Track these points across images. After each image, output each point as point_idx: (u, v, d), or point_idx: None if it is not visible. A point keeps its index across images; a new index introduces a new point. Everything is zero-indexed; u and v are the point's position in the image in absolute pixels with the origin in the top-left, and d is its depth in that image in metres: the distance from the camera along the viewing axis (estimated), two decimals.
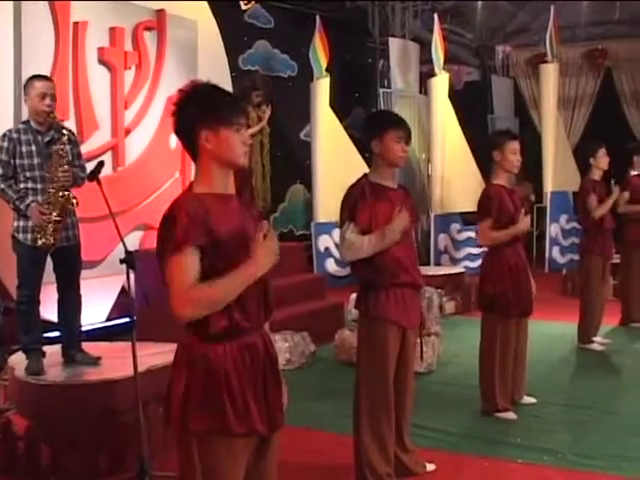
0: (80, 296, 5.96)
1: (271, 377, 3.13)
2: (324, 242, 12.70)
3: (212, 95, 3.06)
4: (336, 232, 12.57)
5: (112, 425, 5.19)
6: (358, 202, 4.61)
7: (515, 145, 6.14)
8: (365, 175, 4.81)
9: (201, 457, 2.97)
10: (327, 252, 12.71)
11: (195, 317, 2.90)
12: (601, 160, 8.56)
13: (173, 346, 3.11)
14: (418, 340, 5.04)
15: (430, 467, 5.14)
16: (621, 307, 9.87)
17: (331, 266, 12.64)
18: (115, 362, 5.74)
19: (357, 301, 4.79)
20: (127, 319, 7.30)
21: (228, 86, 10.30)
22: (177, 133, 3.09)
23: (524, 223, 6.11)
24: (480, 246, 6.29)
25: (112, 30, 8.96)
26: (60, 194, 5.60)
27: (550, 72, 15.37)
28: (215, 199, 3.01)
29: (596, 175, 8.61)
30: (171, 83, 9.35)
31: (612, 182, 8.73)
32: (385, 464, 4.73)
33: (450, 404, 6.66)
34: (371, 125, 4.88)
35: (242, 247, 2.98)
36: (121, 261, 4.80)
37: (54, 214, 5.57)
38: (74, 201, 5.69)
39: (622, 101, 18.81)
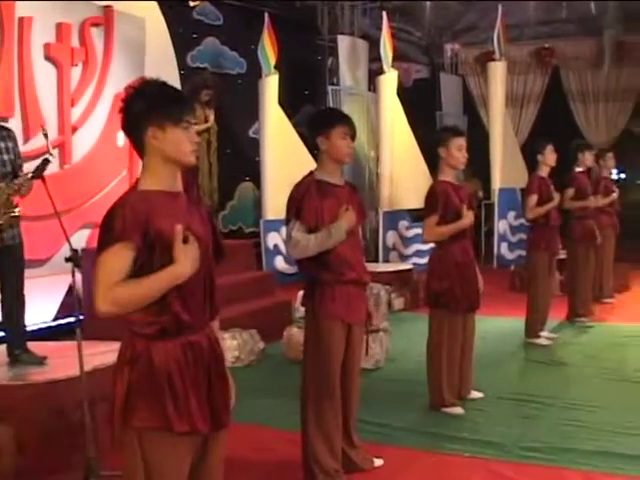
0: (24, 295, 5.89)
1: (216, 375, 3.13)
2: (273, 239, 12.68)
3: (160, 92, 3.04)
4: (284, 229, 12.57)
5: (59, 425, 5.14)
6: (304, 199, 4.61)
7: (460, 141, 6.17)
8: (311, 172, 4.81)
9: (144, 455, 2.96)
10: (276, 249, 12.69)
11: (113, 314, 2.88)
12: (548, 157, 8.64)
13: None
14: (364, 336, 5.04)
15: (378, 462, 5.17)
16: (567, 302, 9.98)
17: (280, 263, 12.63)
18: (61, 362, 5.69)
19: (303, 298, 4.79)
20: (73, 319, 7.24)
21: (177, 83, 10.18)
22: (125, 130, 3.07)
23: (468, 218, 6.14)
24: (426, 242, 6.30)
25: (58, 26, 8.83)
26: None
27: (498, 70, 15.52)
28: (161, 196, 3.00)
29: (543, 172, 8.69)
30: (119, 80, 9.25)
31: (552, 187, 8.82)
32: (332, 460, 4.74)
33: (398, 399, 6.69)
34: (317, 122, 4.88)
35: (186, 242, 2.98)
36: (66, 259, 4.77)
37: None
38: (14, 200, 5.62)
39: (569, 99, 19.02)
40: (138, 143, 3.01)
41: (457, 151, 6.14)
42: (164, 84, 3.07)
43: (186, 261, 2.92)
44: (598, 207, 10.46)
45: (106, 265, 2.88)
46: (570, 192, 9.55)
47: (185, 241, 2.94)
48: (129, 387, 2.95)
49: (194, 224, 3.06)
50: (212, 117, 10.31)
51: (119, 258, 2.87)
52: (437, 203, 6.06)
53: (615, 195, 9.93)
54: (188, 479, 3.09)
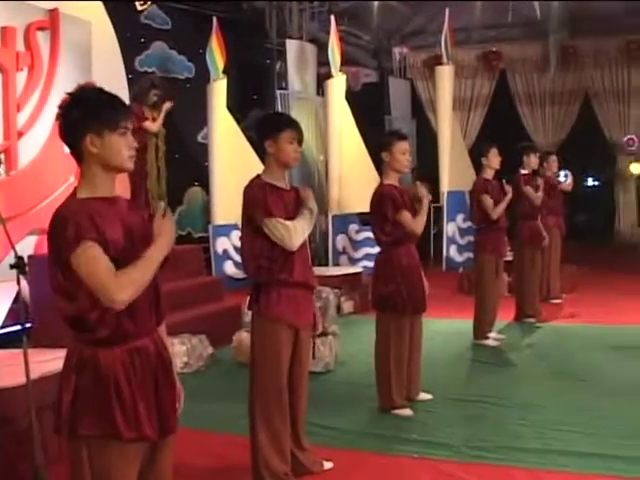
0: None
1: (164, 381, 3.12)
2: (222, 244, 12.65)
3: (97, 99, 3.03)
4: (234, 234, 12.57)
5: (6, 433, 5.07)
6: (266, 198, 4.61)
7: (404, 145, 6.20)
8: (259, 176, 4.81)
9: (92, 463, 2.95)
10: (225, 254, 12.66)
11: (131, 300, 2.88)
12: (493, 160, 8.73)
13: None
14: (312, 340, 5.06)
15: (327, 465, 5.16)
16: (515, 303, 10.08)
17: (229, 268, 12.60)
18: (8, 370, 5.60)
19: (249, 302, 4.78)
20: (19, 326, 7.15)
21: (124, 88, 10.19)
22: (62, 137, 3.06)
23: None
24: (380, 243, 6.32)
25: (3, 30, 8.70)
26: None
27: (446, 74, 15.67)
28: (100, 203, 2.99)
29: (488, 174, 8.78)
30: (65, 85, 9.12)
31: (504, 181, 8.90)
32: (282, 463, 4.74)
33: (347, 402, 6.70)
34: (265, 126, 4.88)
35: (130, 249, 2.97)
36: (11, 266, 4.71)
37: None
38: None
39: (516, 102, 19.25)
40: (76, 150, 3.00)
41: (401, 155, 6.17)
42: (101, 90, 3.06)
43: (170, 233, 3.02)
44: (545, 208, 10.58)
45: (94, 259, 2.85)
46: (529, 190, 9.67)
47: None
48: (75, 395, 2.93)
49: (136, 228, 3.06)
50: (161, 118, 10.23)
51: (98, 251, 2.86)
52: (387, 205, 6.09)
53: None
54: None
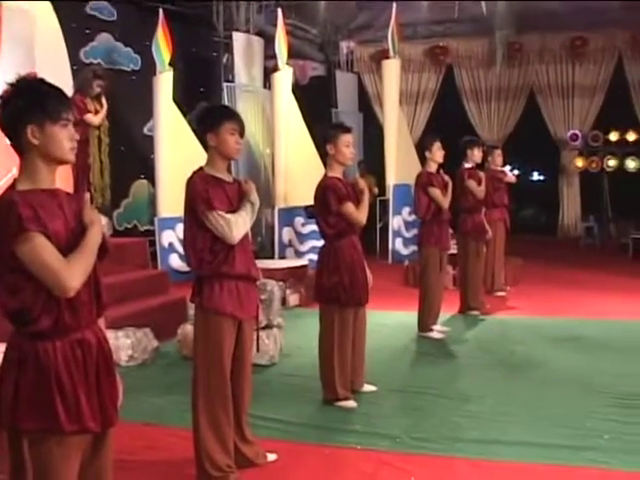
0: None
1: (105, 373, 3.12)
2: (168, 237, 12.57)
3: (38, 90, 3.03)
4: (180, 227, 12.49)
5: None
6: (209, 191, 4.61)
7: (348, 138, 6.23)
8: (201, 168, 4.81)
9: (32, 457, 2.94)
10: (171, 247, 12.59)
11: (80, 286, 2.92)
12: (436, 153, 8.79)
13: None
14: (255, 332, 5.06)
15: (271, 457, 5.18)
16: (460, 296, 10.17)
17: (175, 261, 12.53)
18: None
19: (192, 294, 4.78)
20: None
21: (69, 79, 10.08)
22: (2, 128, 3.04)
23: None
24: (324, 236, 6.33)
25: None
26: None
27: (392, 68, 15.71)
28: (40, 195, 2.98)
29: (431, 168, 8.84)
30: (7, 76, 9.01)
31: (441, 171, 8.96)
32: (225, 455, 4.75)
33: (292, 395, 6.72)
34: (206, 119, 4.87)
35: (71, 242, 2.98)
36: None
37: None
38: None
39: (462, 97, 19.38)
40: (16, 142, 2.99)
41: (345, 147, 6.20)
42: (42, 81, 3.05)
43: (99, 222, 3.08)
44: (490, 202, 10.71)
45: (43, 249, 2.86)
46: (472, 183, 9.77)
47: None
48: (16, 389, 2.92)
49: (75, 222, 3.05)
50: (104, 109, 10.14)
51: (44, 240, 2.87)
52: (330, 197, 6.11)
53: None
54: (78, 479, 3.08)
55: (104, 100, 10.10)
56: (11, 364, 2.95)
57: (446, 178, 8.86)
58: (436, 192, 8.66)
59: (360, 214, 6.17)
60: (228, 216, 4.57)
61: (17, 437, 2.94)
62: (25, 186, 2.97)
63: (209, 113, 5.01)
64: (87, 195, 2.97)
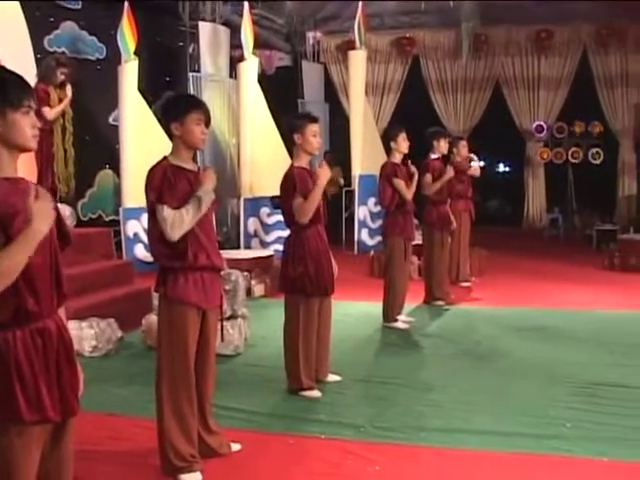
0: None
1: (65, 363, 3.10)
2: (133, 227, 12.51)
3: None
4: (145, 217, 12.43)
5: None
6: (163, 183, 4.58)
7: (315, 128, 6.25)
8: (165, 157, 4.78)
9: None
10: (136, 237, 12.54)
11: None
12: (401, 144, 8.81)
13: None
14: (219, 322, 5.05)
15: (235, 447, 5.18)
16: (424, 286, 10.21)
17: (140, 251, 12.47)
18: None
19: (156, 284, 4.76)
20: None
21: (32, 68, 9.98)
22: None
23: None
24: (289, 226, 6.33)
25: None
26: None
27: (359, 59, 15.73)
28: (3, 183, 2.95)
29: (396, 158, 8.86)
30: None
31: (409, 162, 9.00)
32: (188, 445, 4.74)
33: (257, 385, 6.72)
34: (171, 108, 4.84)
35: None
36: None
37: None
38: None
39: (429, 88, 19.44)
40: None
41: (312, 137, 6.22)
42: (3, 69, 3.03)
43: (41, 218, 2.88)
44: (454, 193, 10.77)
45: None
46: (429, 177, 9.80)
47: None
48: None
49: None
50: (68, 98, 10.03)
51: None
52: (295, 188, 6.10)
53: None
54: (39, 470, 3.06)
55: (69, 89, 9.98)
56: None
57: (412, 169, 8.88)
58: (400, 183, 8.69)
59: (305, 208, 6.14)
60: (171, 213, 4.52)
61: None
62: None
63: (174, 102, 4.98)
64: (37, 187, 2.91)
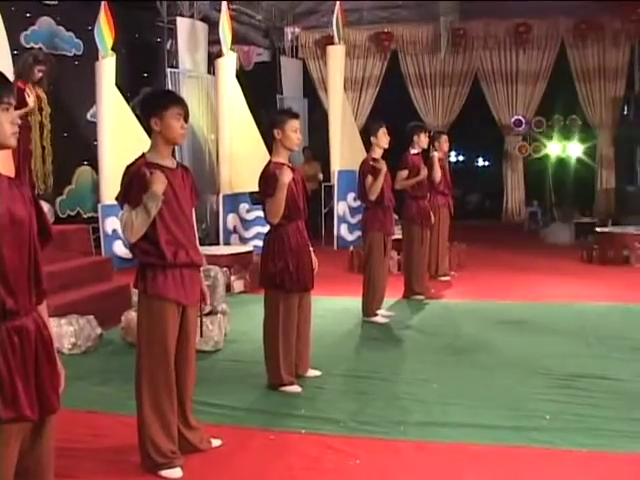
0: None
1: (44, 360, 3.09)
2: (112, 224, 12.45)
3: None
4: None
5: None
6: (132, 183, 4.58)
7: (295, 123, 6.26)
8: (143, 154, 4.78)
9: None
10: (115, 234, 12.48)
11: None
12: (382, 139, 8.83)
13: None
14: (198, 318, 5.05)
15: (216, 442, 5.18)
16: (404, 281, 10.23)
17: (119, 248, 12.43)
18: None
19: (135, 280, 4.75)
20: None
21: (9, 64, 9.94)
22: None
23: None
24: (269, 221, 6.34)
25: None
26: None
27: (337, 54, 15.73)
28: None
29: (376, 154, 8.86)
30: None
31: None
32: (169, 441, 4.74)
33: (237, 380, 6.72)
34: (150, 103, 4.82)
35: (9, 228, 2.94)
36: None
37: None
38: None
39: (407, 83, 19.46)
40: None
41: (292, 133, 6.23)
42: None
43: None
44: (433, 188, 10.79)
45: None
46: (404, 173, 9.80)
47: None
48: None
49: (16, 206, 3.00)
50: (44, 95, 9.98)
51: None
52: (274, 184, 6.10)
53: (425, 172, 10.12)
54: (17, 466, 3.05)
55: (44, 85, 9.96)
56: None
57: (379, 166, 8.79)
58: (368, 180, 8.69)
59: (271, 209, 6.15)
60: (125, 216, 4.54)
61: None
62: None
63: (153, 97, 4.98)
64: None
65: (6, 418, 2.90)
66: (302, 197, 6.36)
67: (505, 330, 8.44)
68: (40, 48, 12.71)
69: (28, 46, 12.63)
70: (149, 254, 4.62)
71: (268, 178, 6.14)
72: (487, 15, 18.31)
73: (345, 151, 15.23)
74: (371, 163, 8.77)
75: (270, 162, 6.29)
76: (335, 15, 15.50)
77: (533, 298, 10.22)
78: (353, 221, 15.21)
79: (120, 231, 11.81)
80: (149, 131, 4.78)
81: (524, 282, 11.44)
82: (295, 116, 6.34)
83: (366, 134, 9.26)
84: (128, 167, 4.68)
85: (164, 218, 4.61)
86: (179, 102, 4.79)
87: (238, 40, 15.66)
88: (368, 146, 9.14)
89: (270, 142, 6.47)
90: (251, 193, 13.60)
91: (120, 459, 5.01)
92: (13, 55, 10.54)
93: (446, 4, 18.16)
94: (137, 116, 12.47)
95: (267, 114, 6.66)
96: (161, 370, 4.68)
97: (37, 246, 3.11)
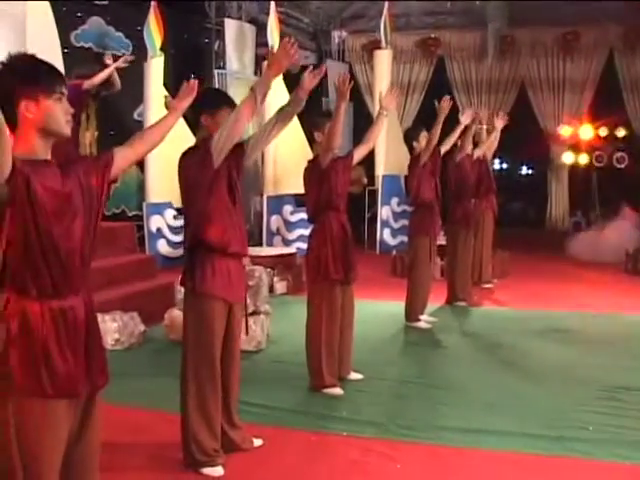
0: None
1: (93, 338, 3.15)
2: (156, 223, 12.53)
3: (31, 65, 3.04)
4: (168, 213, 12.51)
5: None
6: None
7: None
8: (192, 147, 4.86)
9: (18, 423, 2.93)
10: (159, 233, 12.57)
11: None
12: (424, 143, 8.87)
13: None
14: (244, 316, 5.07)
15: (258, 442, 5.20)
16: (447, 287, 10.20)
17: (163, 247, 12.51)
18: None
19: (182, 278, 4.77)
20: None
21: (60, 63, 10.03)
22: None
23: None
24: (311, 216, 6.39)
25: None
26: None
27: (384, 58, 15.71)
28: (35, 164, 2.98)
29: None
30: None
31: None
32: (212, 440, 4.76)
33: (279, 381, 6.74)
34: (203, 100, 4.84)
35: (62, 207, 3.00)
36: None
37: None
38: None
39: (453, 89, 19.35)
40: (10, 117, 2.94)
41: None
42: (34, 57, 3.06)
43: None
44: (478, 191, 10.74)
45: None
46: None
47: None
48: (5, 351, 2.93)
49: (73, 189, 3.09)
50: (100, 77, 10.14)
51: None
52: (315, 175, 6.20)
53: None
54: (65, 459, 3.08)
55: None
56: (0, 329, 2.95)
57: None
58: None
59: (331, 132, 6.18)
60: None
61: (3, 404, 2.93)
62: (19, 156, 2.95)
63: (207, 95, 5.02)
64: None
65: (55, 394, 2.95)
66: (344, 186, 6.40)
67: (548, 339, 8.38)
68: (90, 47, 12.84)
69: (78, 45, 12.76)
70: (205, 239, 4.65)
71: (313, 171, 6.27)
72: (535, 22, 18.16)
73: (390, 155, 15.20)
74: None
75: (310, 162, 6.35)
76: (383, 19, 15.49)
77: (576, 308, 10.12)
78: (396, 226, 15.18)
79: (165, 229, 11.97)
80: (194, 130, 4.83)
81: (567, 291, 11.35)
82: None
83: (409, 139, 9.25)
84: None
85: (226, 202, 4.69)
86: (230, 103, 4.87)
87: None
88: (412, 151, 9.15)
89: (313, 144, 6.52)
90: (295, 195, 13.61)
91: (162, 455, 5.05)
92: (64, 54, 10.63)
93: (494, 11, 18.05)
94: (183, 116, 12.54)
95: (309, 117, 6.69)
96: (207, 368, 4.70)
97: (90, 229, 3.17)
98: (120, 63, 10.20)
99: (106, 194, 3.30)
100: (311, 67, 5.13)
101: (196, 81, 3.63)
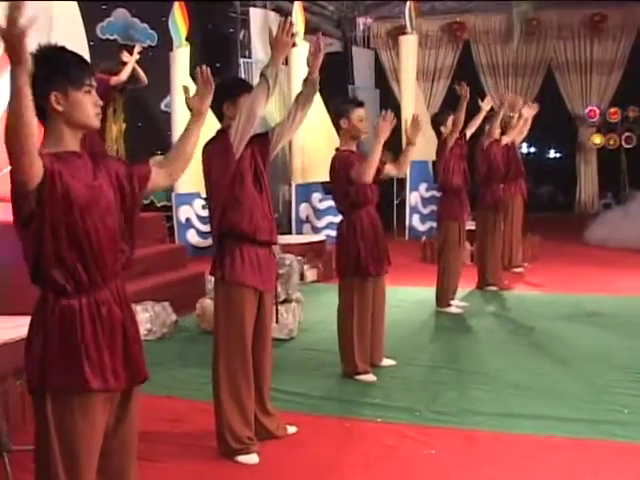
0: None
1: (130, 331, 3.16)
2: (185, 213, 12.60)
3: (60, 57, 3.03)
4: (197, 203, 12.55)
5: None
6: None
7: (361, 112, 6.33)
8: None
9: (57, 417, 2.95)
10: (188, 223, 12.63)
11: None
12: (450, 127, 8.86)
13: (29, 319, 3.05)
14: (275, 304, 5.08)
15: (292, 430, 5.21)
16: (477, 271, 10.16)
17: (192, 237, 12.58)
18: None
19: (212, 267, 4.78)
20: None
21: (85, 55, 10.03)
22: None
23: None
24: (341, 209, 6.37)
25: None
26: None
27: (410, 44, 15.64)
28: (65, 156, 2.99)
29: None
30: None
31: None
32: (246, 428, 4.77)
33: (311, 368, 6.75)
34: (224, 89, 4.84)
35: (94, 198, 3.01)
36: None
37: None
38: None
39: (480, 73, 19.27)
40: (40, 109, 2.93)
41: (358, 122, 6.31)
42: (63, 49, 3.06)
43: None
44: (507, 177, 10.68)
45: None
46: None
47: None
48: (44, 348, 2.94)
49: (102, 181, 3.10)
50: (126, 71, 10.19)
51: None
52: (344, 168, 6.16)
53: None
54: (103, 448, 3.10)
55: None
56: (38, 323, 2.97)
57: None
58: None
59: (365, 168, 6.14)
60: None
61: (42, 398, 2.95)
62: (49, 150, 2.96)
63: (229, 83, 5.04)
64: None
65: (95, 387, 2.96)
66: (373, 183, 6.36)
67: (580, 322, 8.34)
68: (115, 39, 12.89)
69: (104, 37, 12.82)
70: (236, 225, 4.67)
71: (340, 164, 6.23)
72: (561, 4, 18.03)
73: (418, 141, 15.12)
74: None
75: (338, 150, 6.33)
76: (407, 5, 15.43)
77: (607, 291, 10.04)
78: (425, 211, 15.15)
79: (194, 219, 12.02)
80: (220, 117, 4.84)
81: (598, 274, 11.27)
82: (360, 105, 6.40)
83: (436, 123, 9.24)
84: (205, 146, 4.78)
85: (252, 190, 4.71)
86: (250, 89, 4.83)
87: (309, 30, 15.64)
88: (439, 136, 9.13)
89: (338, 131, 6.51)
90: (323, 182, 13.60)
91: (196, 444, 5.07)
92: (90, 46, 10.66)
93: None
94: (210, 106, 12.55)
95: (334, 104, 6.67)
96: (239, 356, 4.71)
97: (123, 225, 3.20)
98: (136, 56, 10.22)
99: (140, 200, 3.32)
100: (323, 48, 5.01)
101: (208, 69, 3.58)
